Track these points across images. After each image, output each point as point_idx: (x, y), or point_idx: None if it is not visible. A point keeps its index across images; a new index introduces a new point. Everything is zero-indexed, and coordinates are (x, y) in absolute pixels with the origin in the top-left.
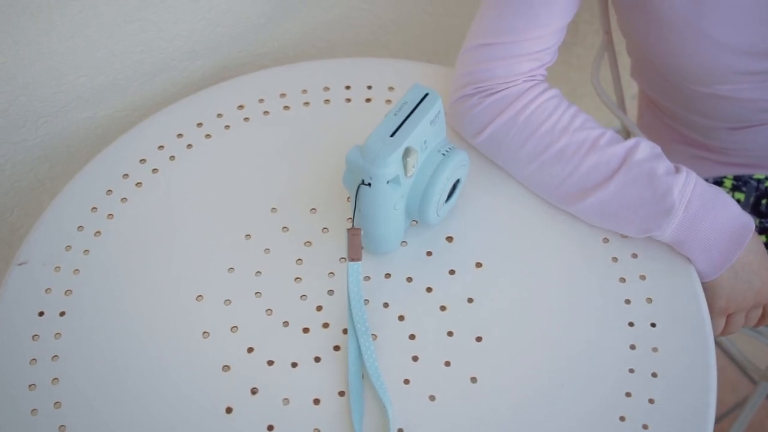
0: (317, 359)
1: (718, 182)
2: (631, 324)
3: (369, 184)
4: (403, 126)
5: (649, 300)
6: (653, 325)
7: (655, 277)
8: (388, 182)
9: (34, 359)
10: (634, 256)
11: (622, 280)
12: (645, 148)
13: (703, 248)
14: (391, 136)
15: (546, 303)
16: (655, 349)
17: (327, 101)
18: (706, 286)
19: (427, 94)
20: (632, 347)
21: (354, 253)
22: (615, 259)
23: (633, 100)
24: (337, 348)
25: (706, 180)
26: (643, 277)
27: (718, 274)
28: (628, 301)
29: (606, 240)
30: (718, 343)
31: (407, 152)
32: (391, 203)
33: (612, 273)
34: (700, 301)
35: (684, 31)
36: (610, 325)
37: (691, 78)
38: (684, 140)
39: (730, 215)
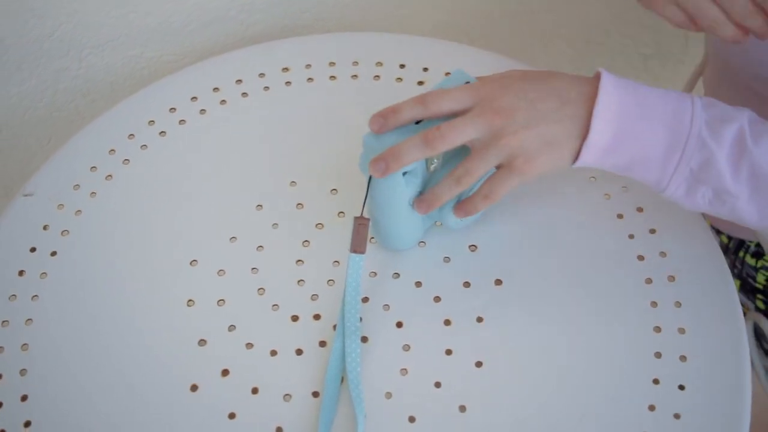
0: (299, 351)
1: None
2: (657, 354)
3: None
4: None
5: (682, 330)
6: (682, 386)
7: (692, 305)
8: (404, 174)
9: (14, 295)
10: (671, 279)
11: (654, 303)
12: None
13: None
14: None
15: (563, 338)
16: (681, 386)
17: (377, 77)
18: None
19: (467, 83)
20: (652, 409)
21: (357, 245)
22: (654, 304)
23: None
24: (323, 344)
25: None
26: (678, 304)
27: None
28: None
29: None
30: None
31: None
32: (405, 197)
33: (648, 320)
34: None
35: None
36: (634, 374)
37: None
38: None
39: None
